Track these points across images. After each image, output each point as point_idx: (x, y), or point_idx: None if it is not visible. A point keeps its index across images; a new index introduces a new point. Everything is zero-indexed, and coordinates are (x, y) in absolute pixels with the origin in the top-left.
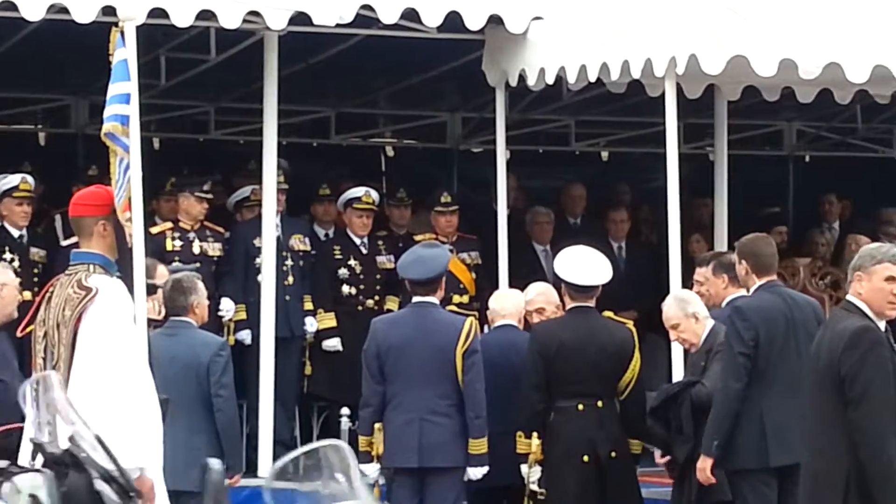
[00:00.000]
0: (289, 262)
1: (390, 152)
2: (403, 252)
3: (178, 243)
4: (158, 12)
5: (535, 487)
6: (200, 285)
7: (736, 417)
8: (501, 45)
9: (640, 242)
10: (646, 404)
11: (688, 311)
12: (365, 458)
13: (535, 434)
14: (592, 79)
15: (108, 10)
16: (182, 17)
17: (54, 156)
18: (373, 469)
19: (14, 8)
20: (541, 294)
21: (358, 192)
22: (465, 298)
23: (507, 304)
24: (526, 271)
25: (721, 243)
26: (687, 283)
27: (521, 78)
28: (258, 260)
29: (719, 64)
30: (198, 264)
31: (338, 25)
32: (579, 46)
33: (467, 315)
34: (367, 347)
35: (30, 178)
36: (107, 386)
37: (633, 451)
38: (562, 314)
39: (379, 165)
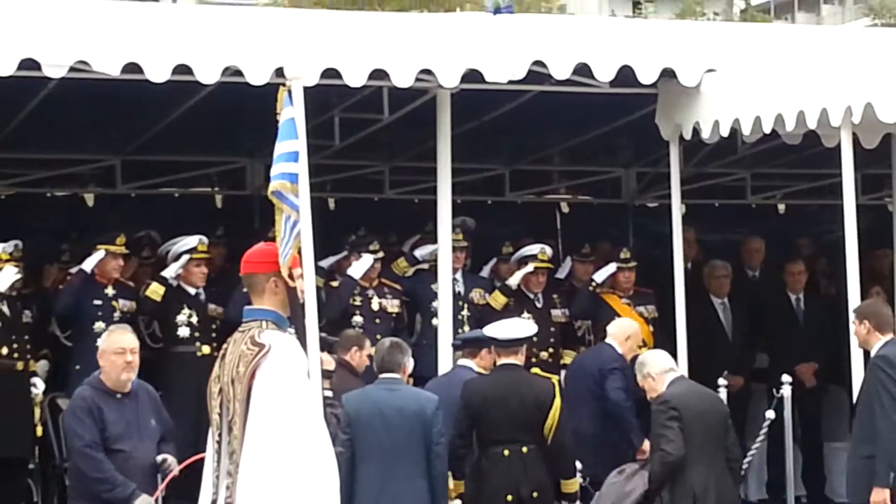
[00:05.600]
0: (465, 313)
1: (565, 208)
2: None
3: (358, 299)
4: (331, 73)
5: None
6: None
7: None
8: (674, 99)
9: (819, 294)
10: (569, 447)
11: (643, 373)
12: None
13: (455, 477)
14: (767, 130)
15: (281, 72)
16: (355, 77)
17: (231, 217)
18: None
19: (189, 72)
20: None
21: (534, 249)
22: (643, 352)
23: None
24: (703, 324)
25: None
26: None
27: (695, 131)
28: (434, 304)
29: None
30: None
31: (510, 82)
32: (753, 98)
33: None
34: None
35: (206, 240)
36: (282, 441)
37: (568, 490)
38: None
39: (554, 222)
